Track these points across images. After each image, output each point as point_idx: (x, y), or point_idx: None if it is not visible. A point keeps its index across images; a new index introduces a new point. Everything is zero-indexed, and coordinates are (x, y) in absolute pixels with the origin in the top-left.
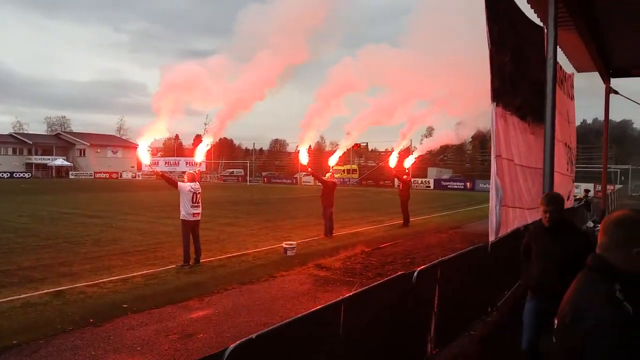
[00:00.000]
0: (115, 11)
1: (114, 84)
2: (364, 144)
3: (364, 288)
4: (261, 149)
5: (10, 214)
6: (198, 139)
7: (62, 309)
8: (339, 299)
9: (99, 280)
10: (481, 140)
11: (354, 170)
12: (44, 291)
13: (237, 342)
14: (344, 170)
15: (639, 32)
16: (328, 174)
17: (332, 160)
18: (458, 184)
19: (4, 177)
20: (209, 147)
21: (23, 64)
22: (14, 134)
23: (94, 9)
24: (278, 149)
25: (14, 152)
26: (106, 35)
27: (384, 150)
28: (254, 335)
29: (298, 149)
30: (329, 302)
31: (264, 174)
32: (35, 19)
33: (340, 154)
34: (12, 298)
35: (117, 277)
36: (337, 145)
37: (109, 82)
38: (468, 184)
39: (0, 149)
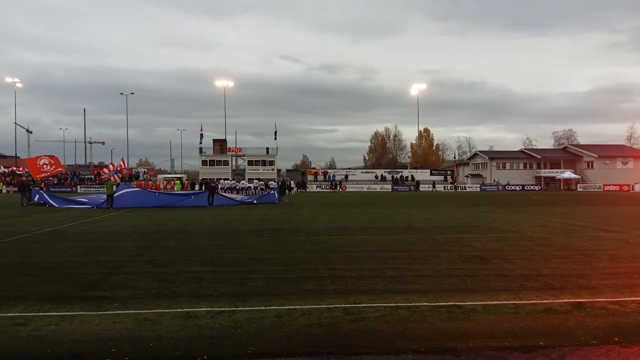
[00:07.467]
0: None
1: (615, 90)
2: None
3: None
4: None
5: (525, 224)
6: None
7: (583, 321)
8: None
9: (620, 298)
10: None
11: None
12: (564, 300)
13: None
14: None
15: None
16: None
17: None
18: None
19: (516, 190)
20: None
21: (517, 84)
22: (524, 150)
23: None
24: None
25: (524, 166)
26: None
27: None
28: None
29: None
30: None
31: None
32: (521, 38)
33: None
34: (534, 302)
35: None
36: None
37: (608, 89)
38: None
39: (513, 164)
